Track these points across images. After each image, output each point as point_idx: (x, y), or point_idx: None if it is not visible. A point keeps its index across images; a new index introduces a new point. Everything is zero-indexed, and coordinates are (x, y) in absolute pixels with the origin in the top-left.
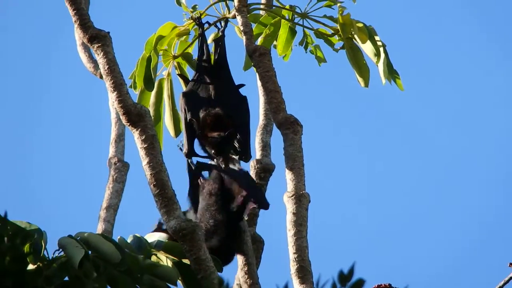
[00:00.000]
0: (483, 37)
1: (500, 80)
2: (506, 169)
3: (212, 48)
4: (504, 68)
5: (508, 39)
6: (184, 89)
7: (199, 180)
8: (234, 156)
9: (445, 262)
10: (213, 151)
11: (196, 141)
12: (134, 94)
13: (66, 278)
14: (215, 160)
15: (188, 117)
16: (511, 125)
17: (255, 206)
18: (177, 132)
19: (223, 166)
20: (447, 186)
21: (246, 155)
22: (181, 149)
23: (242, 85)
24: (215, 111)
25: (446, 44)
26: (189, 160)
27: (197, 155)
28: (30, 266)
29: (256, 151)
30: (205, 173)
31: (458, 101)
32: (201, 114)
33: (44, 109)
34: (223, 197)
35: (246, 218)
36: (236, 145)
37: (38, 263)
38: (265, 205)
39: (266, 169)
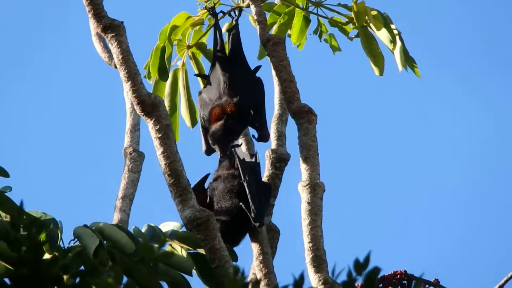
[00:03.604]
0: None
1: None
2: None
3: (226, 38)
4: None
5: None
6: (202, 87)
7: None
8: (254, 137)
9: (462, 250)
10: (211, 143)
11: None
12: (149, 85)
13: (82, 268)
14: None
15: (202, 114)
16: None
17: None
18: (194, 122)
19: (219, 154)
20: (465, 173)
21: (263, 136)
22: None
23: (259, 67)
24: (220, 102)
25: (461, 31)
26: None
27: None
28: (46, 256)
29: (272, 140)
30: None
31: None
32: (209, 109)
33: (59, 99)
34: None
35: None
36: (254, 127)
37: (54, 253)
38: (259, 222)
39: (281, 159)
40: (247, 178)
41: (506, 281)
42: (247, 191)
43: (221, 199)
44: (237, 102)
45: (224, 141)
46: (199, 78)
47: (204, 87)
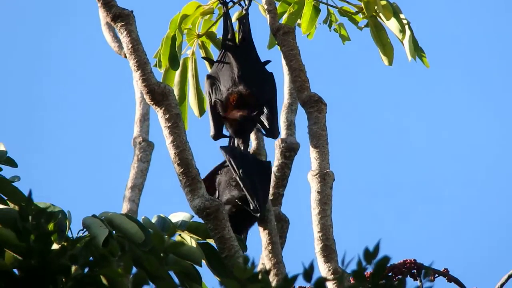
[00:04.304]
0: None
1: None
2: None
3: (236, 27)
4: None
5: None
6: (209, 71)
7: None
8: (263, 132)
9: (472, 240)
10: (233, 133)
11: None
12: (159, 74)
13: (91, 258)
14: (236, 142)
15: (213, 98)
16: None
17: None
18: (202, 112)
19: (242, 148)
20: (474, 163)
21: (273, 132)
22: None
23: (268, 62)
24: (238, 89)
25: (471, 24)
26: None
27: (224, 137)
28: (54, 246)
29: (281, 130)
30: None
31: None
32: (225, 95)
33: (70, 89)
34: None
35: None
36: (264, 122)
37: (63, 243)
38: (259, 213)
39: (291, 148)
40: (240, 173)
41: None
42: (242, 186)
43: (222, 193)
44: (255, 93)
45: (249, 133)
46: (206, 64)
47: (212, 71)
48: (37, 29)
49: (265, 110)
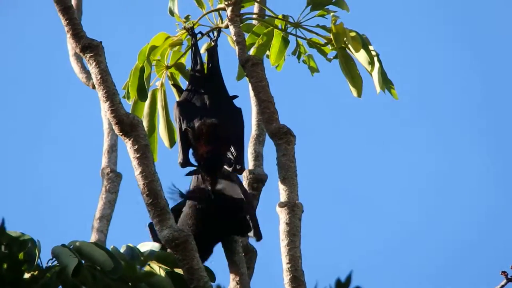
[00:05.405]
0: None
1: None
2: None
3: (205, 58)
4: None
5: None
6: (178, 98)
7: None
8: (228, 168)
9: (441, 273)
10: (202, 169)
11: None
12: (128, 105)
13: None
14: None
15: (183, 126)
16: None
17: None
18: (172, 143)
19: (209, 188)
20: (440, 191)
21: (240, 167)
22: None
23: (235, 97)
24: (211, 121)
25: (439, 53)
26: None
27: (192, 165)
28: (26, 275)
29: (249, 161)
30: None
31: (456, 108)
32: (196, 124)
33: (36, 119)
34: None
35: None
36: (231, 157)
37: (32, 272)
38: (258, 237)
39: (258, 179)
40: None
41: None
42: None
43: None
44: (225, 126)
45: (217, 170)
46: (175, 92)
47: (181, 99)
48: (6, 58)
49: (232, 146)
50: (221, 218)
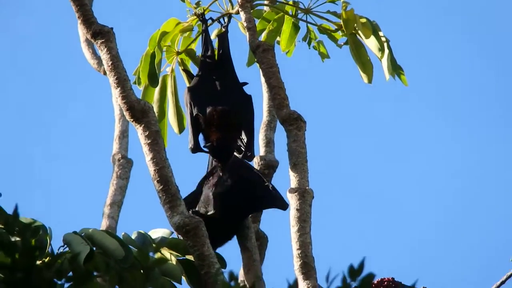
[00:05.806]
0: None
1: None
2: None
3: (215, 44)
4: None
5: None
6: (188, 84)
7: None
8: (238, 155)
9: (451, 257)
10: (212, 156)
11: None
12: (138, 91)
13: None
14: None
15: (194, 112)
16: None
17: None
18: (181, 129)
19: (220, 172)
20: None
21: (250, 154)
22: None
23: (245, 83)
24: (222, 108)
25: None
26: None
27: (202, 151)
28: (37, 262)
29: (260, 147)
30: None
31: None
32: (208, 109)
33: (48, 106)
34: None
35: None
36: (241, 143)
37: (43, 259)
38: (284, 205)
39: (269, 166)
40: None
41: None
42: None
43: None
44: (236, 113)
45: (229, 156)
46: (185, 78)
47: (192, 84)
48: (15, 47)
49: (243, 132)
50: (242, 196)
